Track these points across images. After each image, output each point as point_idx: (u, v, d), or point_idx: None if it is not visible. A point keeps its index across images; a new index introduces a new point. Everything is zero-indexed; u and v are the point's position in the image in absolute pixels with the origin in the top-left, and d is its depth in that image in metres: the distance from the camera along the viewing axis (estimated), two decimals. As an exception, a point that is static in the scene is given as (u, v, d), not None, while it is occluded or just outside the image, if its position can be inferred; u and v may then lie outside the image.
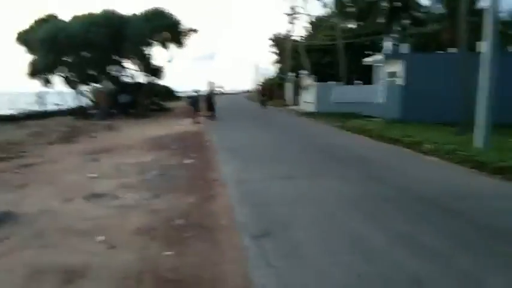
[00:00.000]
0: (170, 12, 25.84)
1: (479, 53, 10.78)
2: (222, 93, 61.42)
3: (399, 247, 4.30)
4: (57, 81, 25.88)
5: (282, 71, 42.40)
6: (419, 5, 29.36)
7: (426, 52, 26.49)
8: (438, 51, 26.50)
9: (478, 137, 9.82)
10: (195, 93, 21.58)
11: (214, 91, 23.18)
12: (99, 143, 13.99)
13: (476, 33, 18.76)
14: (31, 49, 24.90)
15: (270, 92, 37.80)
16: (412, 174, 7.84)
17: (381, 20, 31.24)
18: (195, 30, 27.04)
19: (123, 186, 7.40)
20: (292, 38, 40.33)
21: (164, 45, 26.51)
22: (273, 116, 24.17)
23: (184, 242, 4.66)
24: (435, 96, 19.01)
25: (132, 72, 27.49)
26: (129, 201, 6.40)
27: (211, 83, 22.93)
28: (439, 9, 31.86)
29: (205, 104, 22.02)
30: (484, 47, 9.96)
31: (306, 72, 30.77)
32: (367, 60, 26.12)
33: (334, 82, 24.54)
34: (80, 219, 5.53)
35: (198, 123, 19.64)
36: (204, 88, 23.65)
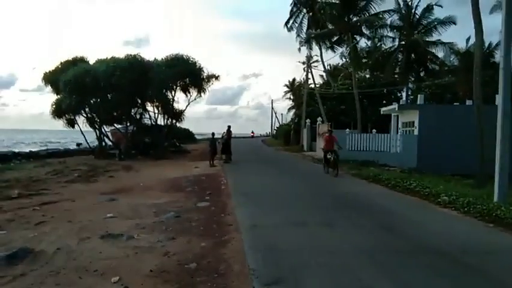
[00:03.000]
0: (193, 58, 27.00)
1: (495, 105, 10.90)
2: (240, 137, 62.46)
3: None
4: (80, 121, 26.91)
5: (298, 117, 43.02)
6: (436, 57, 29.95)
7: (441, 103, 26.76)
8: (453, 103, 26.74)
9: (497, 190, 9.68)
10: (212, 137, 22.05)
11: (231, 135, 23.60)
12: (118, 182, 14.29)
13: (491, 86, 19.00)
14: (56, 89, 26.15)
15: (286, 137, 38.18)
16: (428, 227, 7.74)
17: (397, 70, 31.86)
18: (217, 77, 28.07)
19: (138, 227, 7.52)
20: (309, 85, 41.29)
21: (186, 90, 27.53)
22: (289, 162, 24.30)
23: (196, 287, 4.69)
24: (451, 147, 19.01)
25: (153, 114, 28.42)
26: (144, 242, 6.50)
27: (229, 126, 23.40)
28: (454, 61, 32.42)
29: (222, 147, 22.41)
30: (498, 99, 10.08)
31: (321, 119, 31.19)
32: (384, 109, 26.46)
33: (348, 130, 24.75)
34: (96, 258, 5.63)
35: (215, 166, 19.89)
36: (222, 131, 24.16)
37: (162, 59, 26.65)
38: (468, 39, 32.90)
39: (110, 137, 28.87)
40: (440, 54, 30.50)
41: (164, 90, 26.37)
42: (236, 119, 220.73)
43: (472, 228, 7.78)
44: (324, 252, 5.88)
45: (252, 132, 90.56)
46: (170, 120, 28.44)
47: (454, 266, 5.42)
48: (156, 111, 28.04)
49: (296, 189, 12.73)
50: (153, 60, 26.58)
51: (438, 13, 30.73)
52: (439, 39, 29.84)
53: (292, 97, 61.97)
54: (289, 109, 61.93)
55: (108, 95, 25.70)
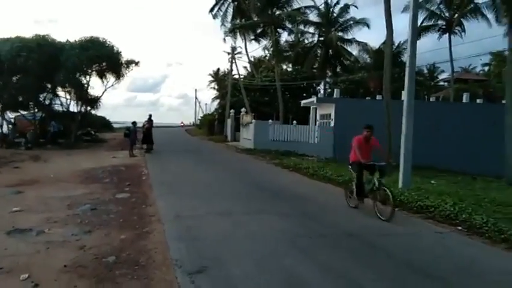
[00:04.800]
0: (110, 41, 25.46)
1: (402, 100, 11.94)
2: (163, 127, 60.69)
3: (329, 281, 4.53)
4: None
5: (222, 108, 43.05)
6: (350, 54, 31.94)
7: (355, 97, 28.69)
8: (366, 97, 28.81)
9: (401, 178, 10.68)
10: (133, 126, 21.11)
11: (153, 124, 22.83)
12: (25, 174, 13.05)
13: (399, 82, 20.80)
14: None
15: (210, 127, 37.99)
16: (343, 212, 8.30)
17: (316, 65, 33.39)
18: (137, 63, 26.87)
19: (50, 221, 6.97)
20: (233, 76, 41.46)
21: (102, 75, 25.91)
22: (213, 151, 24.27)
23: (115, 280, 4.50)
24: (364, 139, 20.39)
25: (65, 100, 26.33)
26: (57, 237, 6.05)
27: (150, 115, 22.60)
28: (367, 59, 34.89)
29: (143, 136, 21.59)
30: (405, 95, 11.08)
31: (245, 109, 31.58)
32: (303, 102, 27.57)
33: (271, 121, 25.44)
34: (1, 256, 5.12)
35: (135, 156, 19.12)
36: (142, 120, 23.25)
37: (75, 41, 24.68)
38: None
39: (18, 124, 26.18)
40: (355, 51, 32.62)
41: (78, 75, 24.54)
42: (158, 108, 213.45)
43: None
44: (248, 240, 6.01)
45: (182, 122, 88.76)
46: (84, 107, 26.60)
47: (366, 247, 5.90)
48: (69, 97, 26.05)
49: (220, 178, 12.77)
50: (65, 42, 24.50)
51: (354, 13, 32.73)
52: (354, 38, 31.86)
53: (216, 87, 61.75)
54: (213, 99, 61.71)
55: (13, 78, 23.21)
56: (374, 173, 7.85)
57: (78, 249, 5.51)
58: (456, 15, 30.63)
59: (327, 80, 36.25)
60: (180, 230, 6.44)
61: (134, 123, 21.31)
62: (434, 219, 7.63)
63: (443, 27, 31.61)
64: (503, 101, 19.47)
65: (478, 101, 27.01)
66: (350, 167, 8.57)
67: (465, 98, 25.12)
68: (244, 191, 10.55)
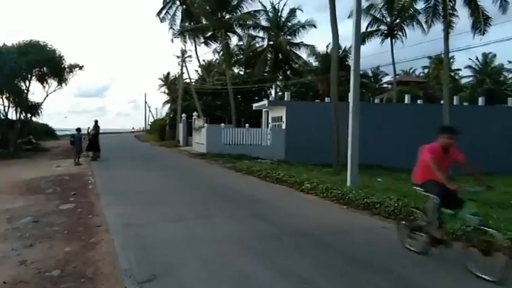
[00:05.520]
0: (51, 45, 24.25)
1: (348, 102, 12.39)
2: (111, 133, 58.55)
3: (281, 281, 4.59)
4: None
5: (173, 112, 42.32)
6: (299, 58, 32.72)
7: (305, 100, 29.46)
8: (315, 100, 29.65)
9: (349, 177, 11.08)
10: (78, 133, 20.16)
11: (99, 130, 21.93)
12: (-45, 187, 12.04)
13: (345, 85, 21.60)
14: None
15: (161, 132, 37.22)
16: (294, 212, 8.46)
17: (267, 68, 33.84)
18: (81, 67, 25.79)
19: (-15, 236, 6.48)
20: (184, 79, 40.96)
21: (43, 80, 24.59)
22: (164, 157, 23.76)
23: (60, 295, 4.28)
24: (313, 140, 20.96)
25: (2, 108, 24.65)
26: (-7, 253, 5.64)
27: (96, 121, 21.70)
28: (314, 63, 35.91)
29: (88, 143, 20.68)
30: (351, 97, 11.51)
31: (197, 113, 31.31)
32: (255, 105, 27.84)
33: (223, 124, 25.43)
34: None
35: (80, 164, 18.28)
36: (88, 127, 22.28)
37: (13, 45, 23.22)
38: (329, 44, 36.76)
39: None
40: (304, 55, 33.47)
41: (16, 80, 23.08)
42: (106, 113, 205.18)
43: (330, 210, 8.78)
44: (200, 245, 5.95)
45: (133, 128, 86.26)
46: (24, 114, 25.06)
47: (316, 245, 6.05)
48: (7, 103, 24.41)
49: (172, 184, 12.54)
50: (2, 46, 22.96)
51: (303, 17, 33.54)
52: (302, 42, 32.69)
53: (167, 91, 60.65)
54: (164, 103, 60.53)
55: None
56: (462, 204, 5.07)
57: (19, 265, 5.18)
58: (397, 20, 32.38)
59: (278, 83, 36.86)
60: (129, 239, 6.24)
61: (78, 129, 20.37)
62: (381, 215, 7.97)
63: (386, 32, 33.30)
64: (441, 101, 20.81)
65: (418, 101, 28.69)
66: (420, 189, 5.72)
67: (407, 99, 26.58)
68: (197, 196, 10.44)
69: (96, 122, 21.63)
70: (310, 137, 21.64)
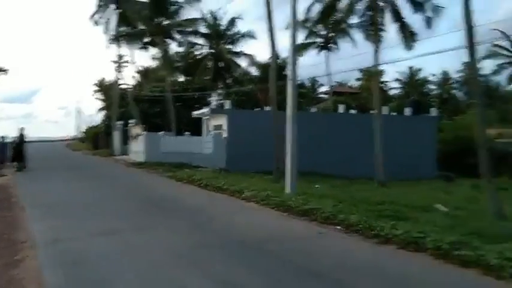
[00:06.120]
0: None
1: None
2: (40, 141, 54.59)
3: (220, 291, 4.55)
4: None
5: (108, 119, 40.52)
6: (239, 67, 33.05)
7: (246, 109, 29.74)
8: (256, 108, 30.07)
9: (288, 184, 11.33)
10: (1, 141, 18.56)
11: (25, 139, 20.35)
12: None
13: (284, 94, 22.10)
14: None
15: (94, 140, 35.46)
16: (234, 220, 8.46)
17: (208, 76, 33.74)
18: (4, 70, 23.87)
19: None
20: (120, 85, 39.46)
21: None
22: (98, 167, 22.64)
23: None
24: (255, 148, 21.13)
25: None
26: None
27: (22, 129, 20.13)
28: (254, 72, 36.48)
29: (13, 153, 19.10)
30: (288, 106, 11.83)
31: (134, 121, 30.27)
32: (196, 113, 27.55)
33: (163, 132, 24.83)
34: None
35: (4, 175, 16.81)
36: (13, 134, 20.59)
37: None
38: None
39: None
40: (244, 64, 33.86)
41: None
42: (33, 120, 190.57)
43: (270, 218, 8.89)
44: (136, 259, 5.72)
45: (67, 136, 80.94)
46: None
47: (255, 253, 6.09)
48: None
49: (107, 196, 11.95)
50: None
51: (245, 26, 34.00)
52: (242, 51, 33.09)
53: (102, 97, 57.98)
54: (99, 110, 57.75)
55: None
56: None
57: None
58: (331, 34, 33.95)
59: (219, 91, 36.88)
60: (58, 255, 5.84)
61: (2, 138, 18.78)
62: (317, 221, 8.23)
63: (321, 44, 34.78)
64: (372, 111, 22.08)
65: (352, 111, 30.19)
66: None
67: (341, 109, 27.84)
68: (134, 207, 10.05)
69: (21, 129, 20.08)
70: (251, 145, 21.82)
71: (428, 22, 19.93)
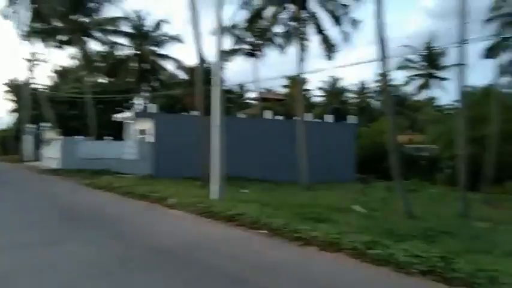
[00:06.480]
0: None
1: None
2: None
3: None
4: None
5: (20, 122, 37.08)
6: (164, 70, 32.29)
7: (173, 113, 29.05)
8: (184, 113, 29.52)
9: (214, 190, 11.24)
10: None
11: None
12: None
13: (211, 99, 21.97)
14: None
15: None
16: (156, 229, 8.15)
17: (132, 78, 32.42)
18: None
19: None
20: (33, 85, 36.33)
21: None
22: (7, 174, 20.53)
23: None
24: (183, 153, 20.71)
25: None
26: None
27: None
28: (178, 76, 35.82)
29: None
30: (213, 112, 11.77)
31: (49, 124, 28.03)
32: (118, 116, 26.27)
33: (82, 137, 23.31)
34: None
35: None
36: None
37: None
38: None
39: None
40: (171, 67, 33.12)
41: None
42: None
43: (194, 225, 8.73)
44: (46, 276, 5.21)
45: None
46: None
47: (177, 261, 5.89)
48: None
49: (16, 206, 10.86)
50: None
51: (174, 28, 33.24)
52: (167, 54, 32.38)
53: (13, 98, 52.87)
54: (10, 112, 52.52)
55: None
56: None
57: None
58: (258, 42, 34.60)
59: (145, 94, 35.60)
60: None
61: None
62: (242, 226, 8.24)
63: (249, 51, 35.27)
64: (296, 118, 22.88)
65: (278, 117, 30.99)
66: None
67: (268, 114, 28.45)
68: (47, 218, 9.23)
69: None
70: (179, 150, 21.32)
71: (346, 35, 21.23)
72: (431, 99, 44.67)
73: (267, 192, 15.60)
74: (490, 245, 6.95)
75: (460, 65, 12.91)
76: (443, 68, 38.99)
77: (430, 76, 40.78)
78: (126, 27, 30.83)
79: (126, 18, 29.62)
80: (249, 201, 10.59)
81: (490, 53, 22.54)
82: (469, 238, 7.73)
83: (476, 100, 24.67)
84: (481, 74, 45.05)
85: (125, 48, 31.78)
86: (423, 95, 43.42)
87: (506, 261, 5.54)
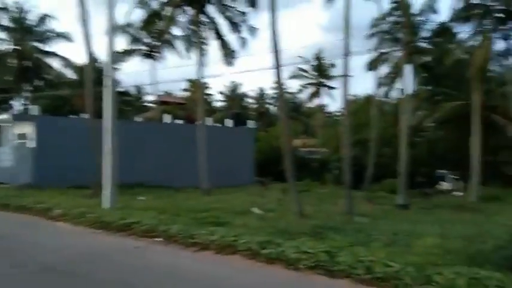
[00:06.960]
0: None
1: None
2: None
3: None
4: None
5: None
6: (51, 68, 29.46)
7: (60, 115, 26.54)
8: (73, 115, 27.21)
9: (106, 198, 10.54)
10: None
11: None
12: None
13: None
14: None
15: None
16: (39, 244, 7.35)
17: (10, 77, 28.90)
18: None
19: None
20: None
21: None
22: None
23: None
24: (72, 159, 18.97)
25: None
26: None
27: None
28: (67, 75, 33.00)
29: None
30: (105, 114, 11.08)
31: None
32: (-8, 118, 23.13)
33: None
34: None
35: None
36: None
37: None
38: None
39: None
40: (59, 66, 30.30)
41: None
42: None
43: (82, 237, 8.08)
44: None
45: None
46: None
47: (62, 277, 5.41)
48: None
49: None
50: None
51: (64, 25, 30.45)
52: (55, 52, 29.64)
53: None
54: None
55: None
56: None
57: None
58: (156, 43, 33.59)
59: (26, 94, 31.87)
60: None
61: None
62: (136, 235, 7.87)
63: (146, 52, 33.98)
64: (197, 122, 22.75)
65: (178, 121, 30.43)
66: None
67: (167, 118, 27.77)
68: None
69: None
70: (65, 157, 19.49)
71: (244, 42, 21.79)
72: (321, 106, 48.27)
73: (166, 198, 15.16)
74: (370, 238, 7.70)
75: (344, 76, 14.17)
76: (332, 77, 42.64)
77: (321, 85, 44.25)
78: (4, 20, 27.46)
79: (2, 9, 26.34)
80: (146, 209, 10.22)
81: (371, 65, 25.14)
82: (352, 233, 8.47)
83: (359, 108, 27.42)
84: (366, 84, 50.37)
85: (3, 42, 28.28)
86: (315, 102, 46.94)
87: (381, 251, 6.18)
